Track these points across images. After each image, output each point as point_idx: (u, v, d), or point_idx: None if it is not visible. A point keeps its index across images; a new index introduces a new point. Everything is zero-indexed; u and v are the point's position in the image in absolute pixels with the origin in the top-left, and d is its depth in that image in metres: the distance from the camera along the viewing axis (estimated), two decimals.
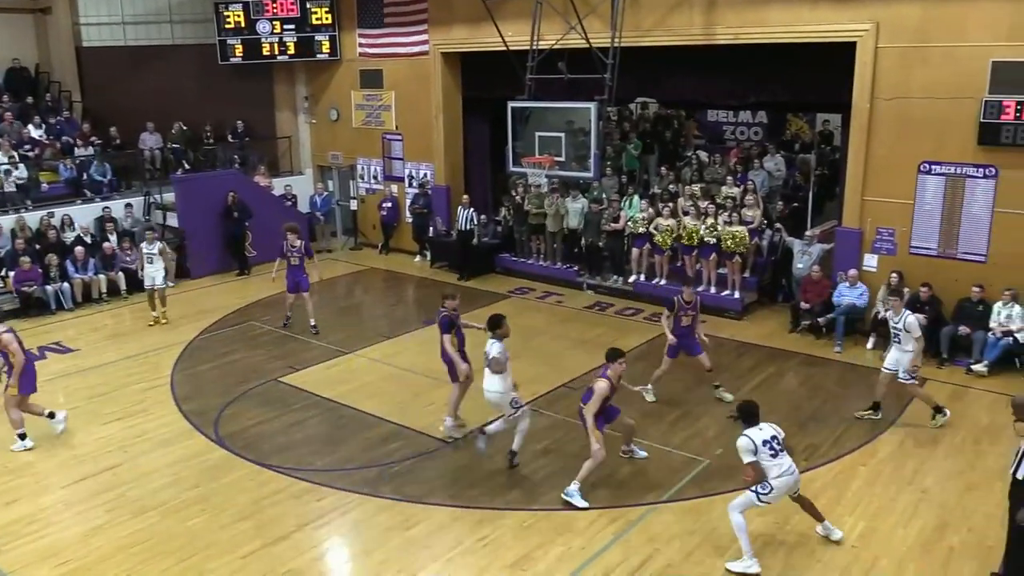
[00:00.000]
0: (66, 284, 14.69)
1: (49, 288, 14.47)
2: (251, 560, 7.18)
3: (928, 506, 7.84)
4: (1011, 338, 10.85)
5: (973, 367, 11.02)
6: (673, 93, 15.46)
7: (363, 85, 18.61)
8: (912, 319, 9.28)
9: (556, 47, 13.60)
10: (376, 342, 12.68)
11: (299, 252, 12.98)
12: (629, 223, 14.52)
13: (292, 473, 8.67)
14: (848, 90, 12.02)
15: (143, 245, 13.86)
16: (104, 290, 15.14)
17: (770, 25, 12.41)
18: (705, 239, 13.50)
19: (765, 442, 6.93)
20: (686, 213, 13.92)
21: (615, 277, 15.06)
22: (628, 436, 8.74)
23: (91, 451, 9.26)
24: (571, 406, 10.16)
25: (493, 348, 8.53)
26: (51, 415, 9.58)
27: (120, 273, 15.35)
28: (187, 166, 18.57)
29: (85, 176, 17.11)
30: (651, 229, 14.09)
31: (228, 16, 18.43)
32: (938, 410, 9.43)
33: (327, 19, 18.46)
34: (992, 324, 11.02)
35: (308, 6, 18.35)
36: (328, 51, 18.75)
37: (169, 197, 17.24)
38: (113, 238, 15.78)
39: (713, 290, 13.70)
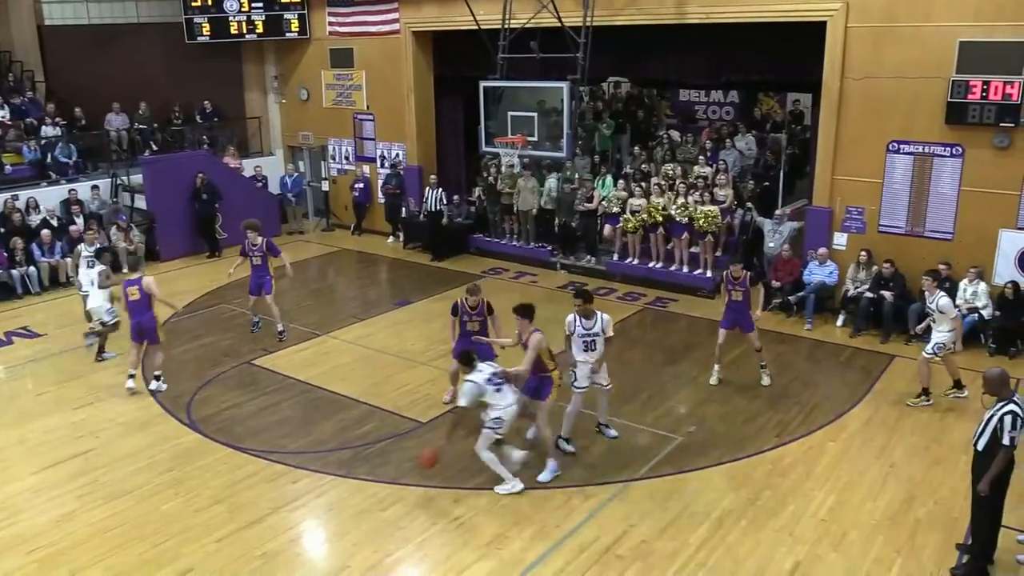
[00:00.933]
0: (32, 268, 14.46)
1: (15, 272, 14.23)
2: (226, 543, 7.16)
3: (896, 480, 8.00)
4: (976, 315, 11.03)
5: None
6: (645, 72, 15.48)
7: (333, 64, 18.40)
8: (945, 300, 9.25)
9: (528, 26, 13.53)
10: (349, 324, 12.64)
11: (260, 250, 11.68)
12: (603, 203, 14.55)
13: (266, 456, 8.64)
14: (818, 69, 12.08)
15: (83, 247, 12.17)
16: (72, 273, 14.88)
17: (741, 4, 12.41)
18: (676, 218, 13.57)
19: (488, 380, 7.66)
20: (650, 193, 13.96)
21: (588, 257, 15.10)
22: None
23: (62, 436, 9.15)
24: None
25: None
26: None
27: None
28: (155, 147, 18.28)
29: (50, 158, 16.79)
30: (627, 213, 14.11)
31: None
32: (925, 392, 9.47)
33: None
34: (958, 301, 11.16)
35: None
36: (297, 30, 18.50)
37: (137, 179, 16.99)
38: (80, 220, 15.52)
39: (685, 269, 13.80)
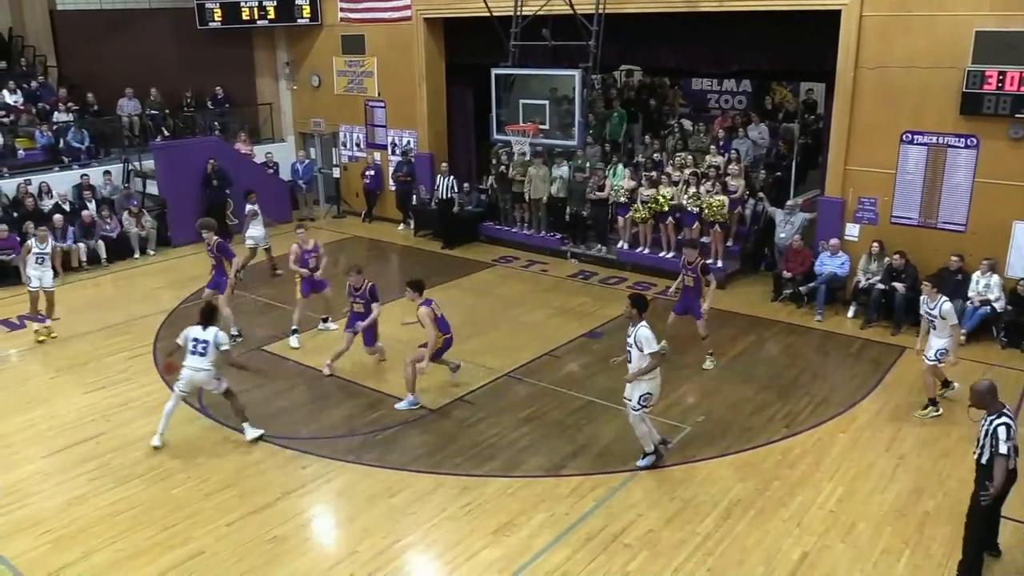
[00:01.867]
0: None
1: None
2: (236, 528, 7.21)
3: (905, 471, 7.98)
4: (989, 307, 10.97)
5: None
6: (657, 61, 15.38)
7: (345, 51, 18.37)
8: (948, 306, 8.84)
9: (540, 13, 13.46)
10: None
11: (212, 251, 11.11)
12: (613, 191, 14.50)
13: (276, 441, 8.68)
14: (832, 59, 11.99)
15: (33, 243, 11.70)
16: (84, 259, 14.99)
17: None
18: (687, 208, 13.52)
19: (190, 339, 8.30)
20: (659, 182, 13.91)
21: (599, 246, 15.07)
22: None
23: (73, 420, 9.22)
24: (553, 374, 10.26)
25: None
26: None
27: (100, 241, 15.21)
28: (166, 133, 18.32)
29: (62, 143, 16.85)
30: (638, 203, 14.05)
31: None
32: (933, 403, 9.08)
33: None
34: (971, 293, 11.13)
35: None
36: (309, 16, 18.47)
37: (149, 164, 17.03)
38: (92, 206, 15.59)
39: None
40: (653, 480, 7.88)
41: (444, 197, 16.48)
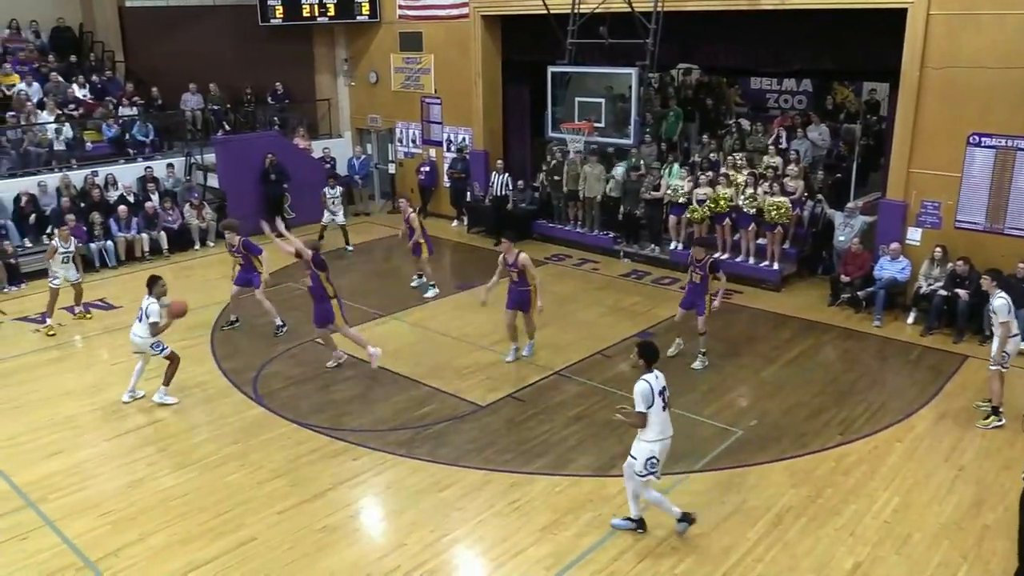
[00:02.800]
0: (110, 242, 14.99)
1: (93, 246, 14.76)
2: (287, 516, 7.34)
3: (964, 483, 7.76)
4: None
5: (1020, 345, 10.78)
6: (716, 60, 15.19)
7: (402, 48, 18.54)
8: (1000, 302, 8.54)
9: (598, 11, 13.40)
10: (412, 306, 12.77)
11: (239, 251, 11.59)
12: (669, 191, 14.35)
13: (328, 433, 8.81)
14: (896, 58, 11.70)
15: (58, 243, 12.06)
16: (147, 249, 15.41)
17: None
18: (744, 209, 13.34)
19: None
20: (717, 183, 13.75)
21: (652, 246, 14.95)
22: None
23: (133, 406, 9.49)
24: (603, 373, 10.22)
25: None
26: None
27: (162, 232, 15.61)
28: (227, 128, 18.71)
29: (128, 136, 17.33)
30: (694, 203, 13.90)
31: None
32: (995, 412, 8.78)
33: None
34: None
35: None
36: (368, 13, 18.69)
37: (210, 158, 17.41)
38: (155, 198, 16.01)
39: (752, 261, 13.55)
40: (703, 484, 7.80)
41: (499, 194, 16.52)
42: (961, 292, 11.11)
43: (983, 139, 11.26)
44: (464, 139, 17.82)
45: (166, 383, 9.52)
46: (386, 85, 19.19)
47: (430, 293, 13.13)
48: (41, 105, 16.67)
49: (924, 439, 8.60)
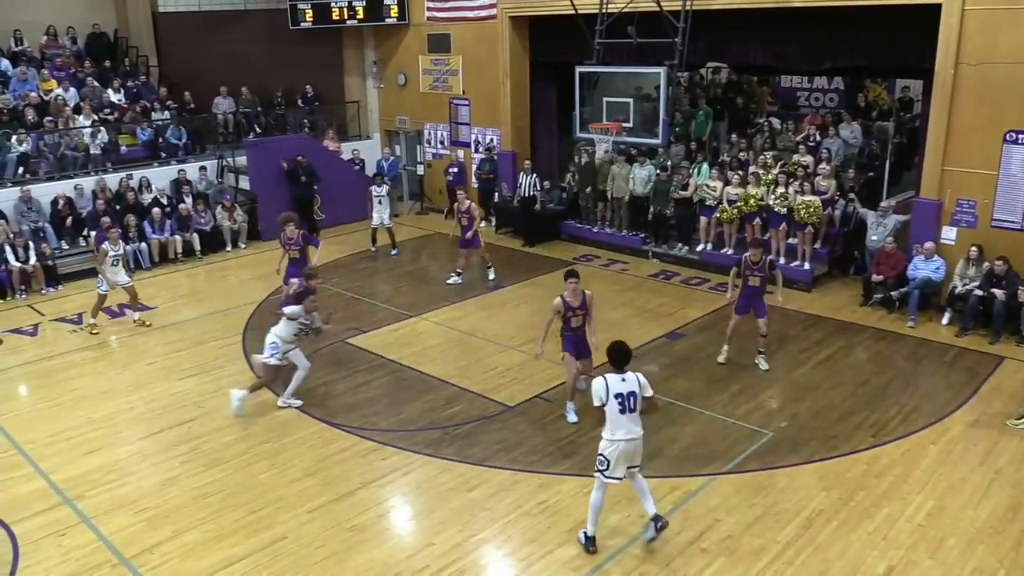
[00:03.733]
0: (144, 244, 15.22)
1: (128, 248, 14.97)
2: (318, 514, 7.41)
3: (1000, 487, 7.63)
4: None
5: None
6: (745, 58, 15.05)
7: (431, 49, 18.62)
8: None
9: (626, 10, 13.36)
10: (441, 306, 12.82)
11: (297, 244, 11.71)
12: (705, 190, 14.26)
13: (357, 432, 8.88)
14: (930, 54, 11.53)
15: (108, 246, 12.04)
16: (180, 250, 15.63)
17: None
18: (775, 208, 13.22)
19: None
20: (748, 182, 13.64)
21: (681, 245, 14.87)
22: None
23: (168, 405, 9.64)
24: None
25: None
26: None
27: (195, 234, 15.82)
28: (258, 130, 18.91)
29: (161, 139, 17.59)
30: (724, 203, 13.81)
31: None
32: None
33: None
34: None
35: None
36: (396, 15, 18.79)
37: (241, 160, 17.62)
38: (188, 200, 16.23)
39: (782, 260, 13.43)
40: (732, 486, 7.75)
41: (526, 195, 16.53)
42: (998, 292, 10.92)
43: (1020, 136, 11.07)
44: (492, 140, 17.85)
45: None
46: (414, 87, 19.29)
47: (453, 280, 13.71)
48: (78, 110, 16.99)
49: (959, 442, 8.47)
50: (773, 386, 9.85)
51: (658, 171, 14.81)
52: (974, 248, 11.36)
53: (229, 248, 16.35)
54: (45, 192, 15.32)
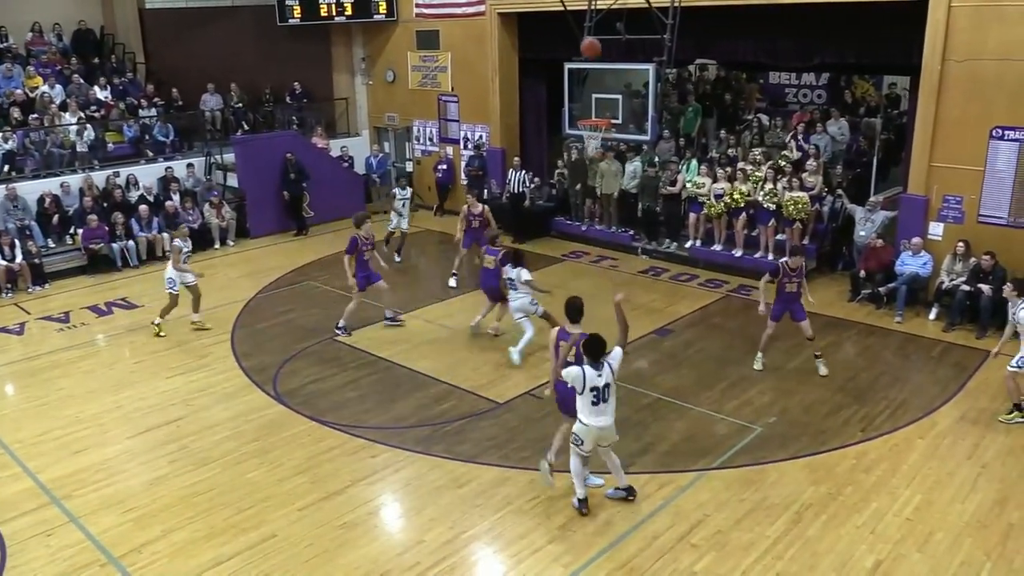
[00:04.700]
0: (131, 242, 15.13)
1: (115, 245, 14.91)
2: (308, 512, 7.39)
3: (987, 481, 7.68)
4: None
5: None
6: (734, 55, 15.09)
7: (419, 46, 18.58)
8: (1022, 313, 8.45)
9: (614, 7, 13.34)
10: (430, 303, 12.81)
11: (372, 243, 11.62)
12: (688, 185, 14.30)
13: (347, 430, 8.86)
14: (918, 51, 11.58)
15: (180, 242, 11.68)
16: (167, 248, 15.50)
17: None
18: (763, 204, 13.26)
19: None
20: (735, 178, 13.67)
21: (669, 242, 14.90)
22: None
23: (155, 404, 9.59)
24: (621, 371, 10.11)
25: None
26: None
27: None
28: (246, 127, 18.82)
29: (148, 136, 17.48)
30: (711, 199, 13.85)
31: None
32: (1018, 408, 8.69)
33: None
34: None
35: None
36: (385, 12, 18.73)
37: (229, 158, 17.53)
38: (176, 197, 16.14)
39: (771, 256, 13.47)
40: (722, 481, 7.77)
41: (516, 191, 16.51)
42: (984, 287, 10.99)
43: (1007, 132, 11.13)
44: (481, 136, 17.83)
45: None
46: (403, 83, 19.24)
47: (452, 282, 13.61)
48: (64, 107, 16.85)
49: (946, 436, 8.52)
50: (762, 381, 9.88)
51: (647, 167, 14.82)
52: (961, 244, 11.43)
53: (217, 246, 16.28)
54: (31, 190, 15.20)
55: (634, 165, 15.01)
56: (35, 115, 16.47)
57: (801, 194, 12.96)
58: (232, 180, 17.52)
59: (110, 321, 12.44)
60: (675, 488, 7.64)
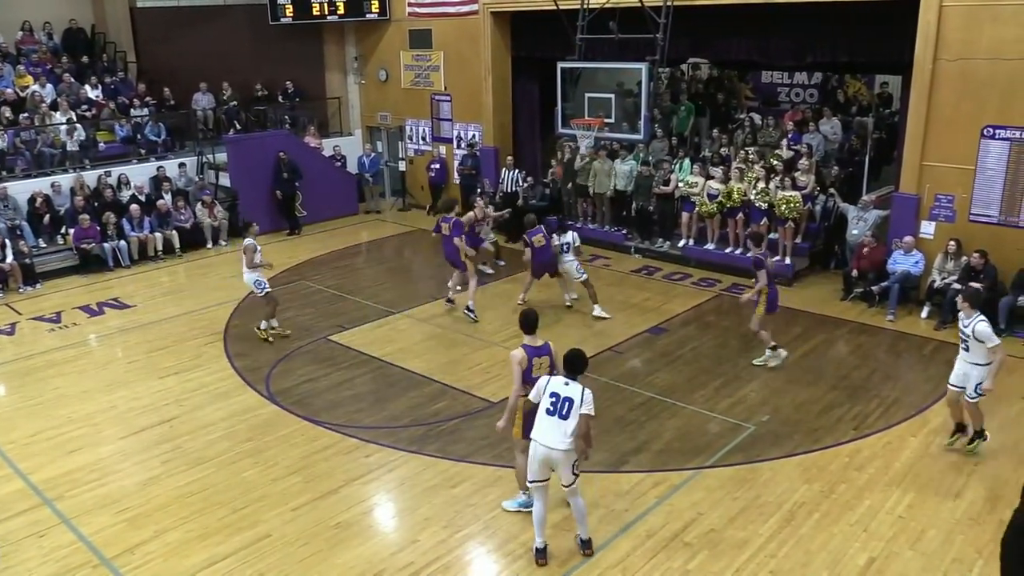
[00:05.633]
0: (123, 241, 15.08)
1: (107, 245, 14.86)
2: (302, 512, 7.38)
3: (980, 479, 7.71)
4: None
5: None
6: (727, 54, 15.13)
7: (412, 45, 18.55)
8: (984, 326, 7.48)
9: (607, 6, 13.36)
10: (423, 303, 12.80)
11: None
12: (681, 184, 14.32)
13: (341, 430, 8.85)
14: (910, 50, 11.63)
15: (251, 241, 11.14)
16: (160, 248, 15.50)
17: None
18: (756, 203, 13.29)
19: None
20: (729, 178, 13.70)
21: (662, 241, 14.92)
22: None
23: (149, 404, 9.56)
24: (615, 370, 10.22)
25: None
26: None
27: (174, 231, 15.69)
28: (238, 127, 18.78)
29: (140, 136, 17.42)
30: (703, 197, 13.88)
31: None
32: (979, 434, 8.02)
33: None
34: None
35: None
36: (378, 11, 18.70)
37: (221, 157, 17.48)
38: (168, 197, 16.08)
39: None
40: (715, 479, 7.79)
41: (508, 191, 16.50)
42: (976, 285, 11.02)
43: (998, 131, 11.18)
44: (474, 135, 17.82)
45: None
46: (396, 82, 19.21)
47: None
48: (55, 106, 16.78)
49: (938, 434, 8.55)
50: (755, 380, 9.91)
51: (640, 167, 14.84)
52: (952, 242, 11.48)
53: (210, 245, 16.24)
54: (22, 190, 15.15)
55: (629, 165, 15.02)
56: (26, 114, 16.40)
57: (793, 193, 13.00)
58: (224, 180, 17.47)
59: (102, 321, 12.40)
60: (669, 486, 7.66)
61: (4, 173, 15.37)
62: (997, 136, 11.19)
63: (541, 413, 6.25)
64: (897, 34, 11.80)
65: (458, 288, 12.24)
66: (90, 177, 15.96)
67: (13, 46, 18.29)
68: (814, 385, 9.73)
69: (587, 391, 6.21)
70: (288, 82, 19.73)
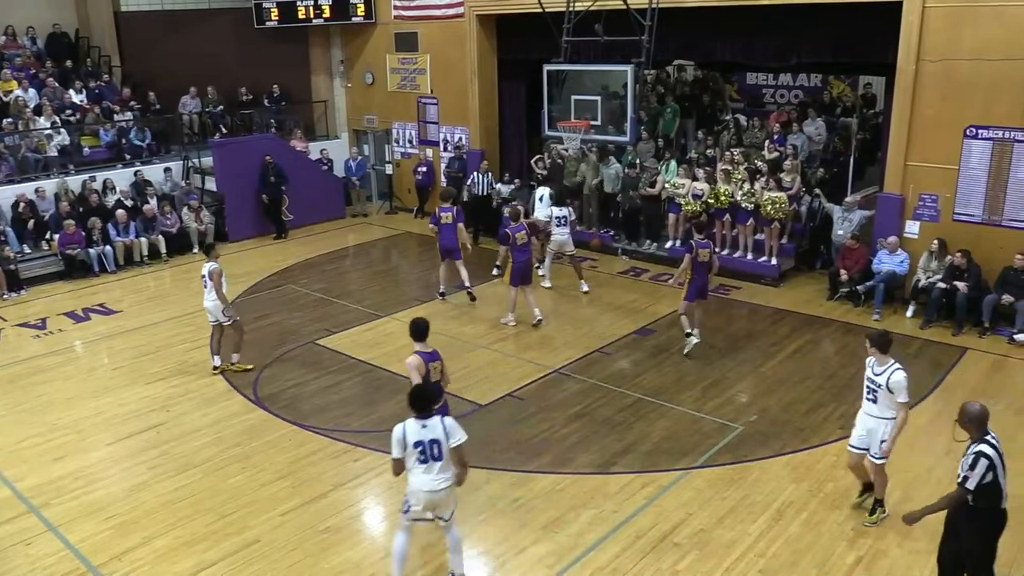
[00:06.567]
0: (108, 247, 14.98)
1: (92, 251, 14.76)
2: (290, 517, 7.35)
3: None
4: None
5: (1015, 336, 10.80)
6: (712, 55, 15.19)
7: (398, 48, 18.54)
8: (901, 376, 6.62)
9: (593, 8, 13.39)
10: (411, 306, 12.78)
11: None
12: (668, 185, 14.36)
13: (329, 434, 8.83)
14: (893, 51, 11.72)
15: (218, 264, 10.28)
16: (145, 253, 15.41)
17: None
18: (742, 204, 13.35)
19: None
20: (716, 179, 13.76)
21: (649, 242, 14.96)
22: None
23: (135, 410, 9.50)
24: (603, 371, 10.23)
25: None
26: None
27: (160, 236, 15.61)
28: (224, 131, 18.71)
29: (125, 140, 17.32)
30: (688, 197, 13.93)
31: None
32: (879, 503, 7.18)
33: None
34: None
35: None
36: (363, 14, 18.68)
37: (207, 161, 17.41)
38: (153, 201, 15.99)
39: (750, 256, 13.58)
40: (704, 480, 7.82)
41: (482, 193, 16.31)
42: (960, 284, 11.13)
43: (980, 131, 11.28)
44: (461, 138, 17.82)
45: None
46: (382, 86, 19.19)
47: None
48: (39, 111, 16.67)
49: (923, 433, 8.60)
50: (742, 380, 9.95)
51: (626, 168, 14.88)
52: (936, 242, 11.57)
53: (196, 250, 16.12)
54: (6, 195, 15.03)
55: (615, 167, 15.05)
56: (9, 119, 16.27)
57: (779, 194, 13.06)
58: (210, 184, 17.40)
59: (88, 327, 12.31)
60: (657, 487, 7.68)
61: None
62: (980, 136, 11.29)
63: (413, 468, 5.87)
64: (880, 35, 11.88)
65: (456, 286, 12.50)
66: (75, 182, 15.85)
67: None
68: (801, 385, 9.78)
69: (447, 420, 5.95)
70: (274, 86, 19.68)
